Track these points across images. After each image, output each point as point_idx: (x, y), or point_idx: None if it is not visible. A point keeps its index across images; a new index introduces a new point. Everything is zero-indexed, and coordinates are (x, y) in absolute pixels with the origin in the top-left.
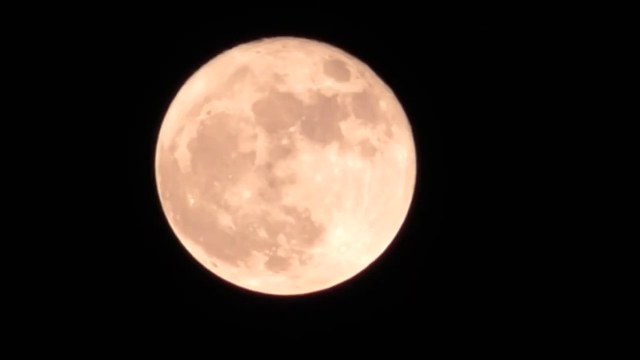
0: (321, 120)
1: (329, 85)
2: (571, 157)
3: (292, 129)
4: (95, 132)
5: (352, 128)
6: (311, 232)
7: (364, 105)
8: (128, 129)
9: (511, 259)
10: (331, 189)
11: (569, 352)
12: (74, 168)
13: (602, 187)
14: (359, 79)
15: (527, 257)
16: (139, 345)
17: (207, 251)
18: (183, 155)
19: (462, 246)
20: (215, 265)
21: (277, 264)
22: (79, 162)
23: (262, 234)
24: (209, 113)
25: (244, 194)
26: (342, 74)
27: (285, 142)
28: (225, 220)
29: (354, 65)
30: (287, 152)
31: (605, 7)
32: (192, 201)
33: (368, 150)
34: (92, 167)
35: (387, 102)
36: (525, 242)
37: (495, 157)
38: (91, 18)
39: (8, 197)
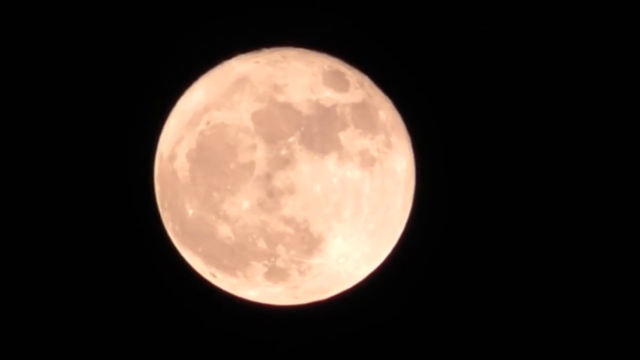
0: (320, 130)
1: (328, 95)
2: (572, 163)
3: (291, 139)
4: (93, 141)
5: (351, 138)
6: (310, 243)
7: (363, 116)
8: (127, 138)
9: (511, 268)
10: (330, 199)
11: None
12: (72, 177)
13: (605, 196)
14: (357, 89)
15: (528, 266)
16: (137, 355)
17: (205, 261)
18: (182, 165)
19: (461, 256)
20: (214, 276)
21: (275, 274)
22: (77, 171)
23: (261, 244)
24: (207, 123)
25: (242, 204)
26: (341, 84)
27: (284, 152)
28: (224, 231)
29: (353, 76)
30: (285, 162)
31: (605, 7)
32: (190, 211)
33: (367, 161)
34: (90, 176)
35: (386, 112)
36: (526, 251)
37: (494, 167)
38: (91, 29)
39: (7, 206)
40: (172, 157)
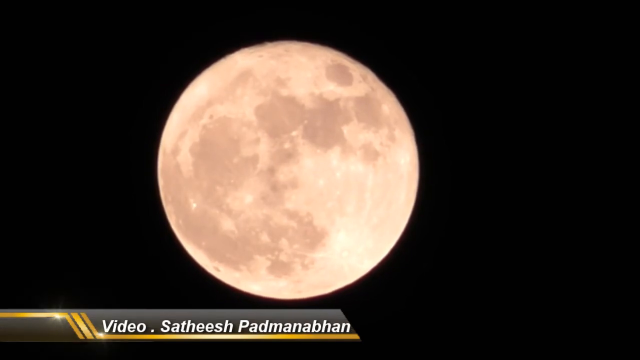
0: (323, 124)
1: (331, 89)
2: (573, 157)
3: (294, 133)
4: (97, 135)
5: (354, 132)
6: (313, 237)
7: (366, 109)
8: (130, 132)
9: (514, 263)
10: (333, 193)
11: (571, 357)
12: (76, 172)
13: (607, 196)
14: (361, 83)
15: (530, 262)
16: (140, 350)
17: (209, 255)
18: (185, 159)
19: (464, 251)
20: (217, 270)
21: (279, 268)
22: (80, 166)
23: (264, 238)
24: (211, 117)
25: (245, 198)
26: (344, 78)
27: (287, 146)
28: (227, 225)
29: (356, 69)
30: (289, 156)
31: (605, 7)
32: (194, 205)
33: (370, 154)
34: (93, 171)
35: (389, 106)
36: (529, 246)
37: (498, 161)
38: (93, 22)
39: (10, 202)
40: (176, 151)
